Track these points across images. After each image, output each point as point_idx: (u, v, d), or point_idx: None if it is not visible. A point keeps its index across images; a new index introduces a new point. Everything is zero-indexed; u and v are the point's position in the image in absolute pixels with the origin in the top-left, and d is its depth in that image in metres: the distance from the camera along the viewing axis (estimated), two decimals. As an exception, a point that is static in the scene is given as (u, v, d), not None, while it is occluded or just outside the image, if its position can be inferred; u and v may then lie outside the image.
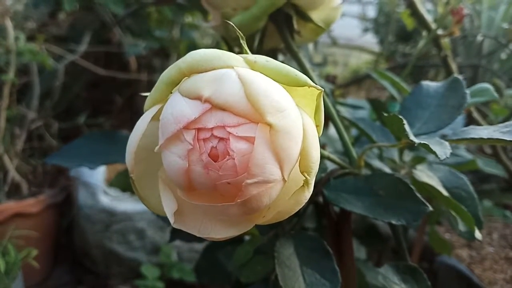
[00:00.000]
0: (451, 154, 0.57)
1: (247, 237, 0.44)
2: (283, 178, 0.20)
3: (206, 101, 0.20)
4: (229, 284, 0.53)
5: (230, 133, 0.19)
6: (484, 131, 0.30)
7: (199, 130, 0.20)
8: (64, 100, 1.29)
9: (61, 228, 1.21)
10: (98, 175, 1.16)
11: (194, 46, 1.28)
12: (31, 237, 1.00)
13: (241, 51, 0.25)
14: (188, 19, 1.33)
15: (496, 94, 0.40)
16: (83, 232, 1.12)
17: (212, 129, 0.20)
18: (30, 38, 1.13)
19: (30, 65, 1.14)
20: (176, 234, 0.48)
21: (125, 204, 1.11)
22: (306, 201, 0.22)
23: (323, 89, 0.21)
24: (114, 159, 0.48)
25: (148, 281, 1.00)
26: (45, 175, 1.18)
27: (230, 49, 0.47)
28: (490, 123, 0.69)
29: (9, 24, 1.03)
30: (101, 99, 1.48)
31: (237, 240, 0.45)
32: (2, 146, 1.06)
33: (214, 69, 0.21)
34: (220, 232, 0.22)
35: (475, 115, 0.60)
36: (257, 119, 0.20)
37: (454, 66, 0.55)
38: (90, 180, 1.14)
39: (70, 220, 1.21)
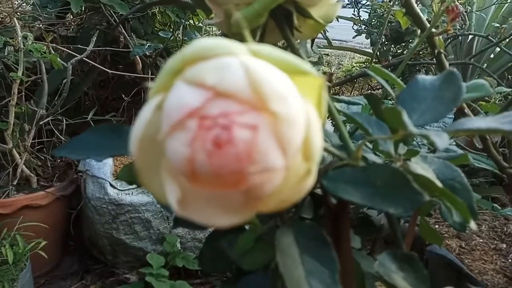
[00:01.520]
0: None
1: (247, 226, 0.43)
2: (286, 166, 0.19)
3: (210, 89, 0.19)
4: (231, 271, 0.53)
5: (233, 121, 0.19)
6: (481, 122, 0.29)
7: (202, 118, 0.19)
8: (72, 98, 1.28)
9: (70, 219, 1.20)
10: (105, 168, 1.15)
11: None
12: (41, 229, 0.99)
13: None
14: (191, 21, 1.32)
15: (492, 90, 0.39)
16: (91, 223, 1.12)
17: (215, 117, 0.19)
18: (38, 38, 1.12)
19: (39, 64, 1.13)
20: (179, 222, 0.47)
21: (131, 196, 1.10)
22: (309, 189, 0.21)
23: (325, 79, 0.21)
24: (121, 151, 0.47)
25: (153, 269, 1.00)
26: (54, 169, 1.17)
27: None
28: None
29: (17, 24, 1.02)
30: (108, 97, 1.47)
31: (239, 229, 0.44)
32: (12, 142, 1.05)
33: (218, 57, 0.20)
34: (223, 220, 0.21)
35: (467, 111, 0.59)
36: (260, 107, 0.19)
37: (447, 64, 0.54)
38: (98, 174, 1.13)
39: (79, 211, 1.20)
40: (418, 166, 0.43)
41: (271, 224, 0.38)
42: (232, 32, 0.41)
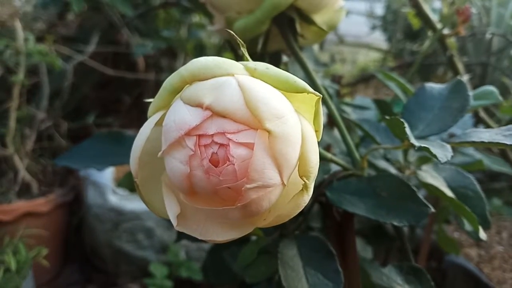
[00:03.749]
0: (459, 153, 0.57)
1: (254, 237, 0.44)
2: (282, 183, 0.21)
3: (207, 108, 0.20)
4: (236, 283, 0.54)
5: (230, 139, 0.20)
6: (485, 134, 0.31)
7: (200, 136, 0.21)
8: (73, 100, 1.30)
9: (71, 227, 1.23)
10: (107, 174, 1.17)
11: (201, 46, 1.29)
12: (42, 236, 1.02)
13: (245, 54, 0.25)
14: (196, 18, 1.34)
15: (500, 98, 0.40)
16: (93, 231, 1.14)
17: (212, 135, 0.20)
18: (39, 39, 1.14)
19: (39, 65, 1.16)
20: (183, 234, 0.49)
21: (134, 203, 1.12)
22: (305, 204, 0.23)
23: (321, 96, 0.22)
24: (121, 160, 0.48)
25: (156, 279, 1.02)
26: (54, 175, 1.20)
27: (235, 52, 0.47)
28: (498, 122, 0.69)
29: (18, 26, 1.05)
30: (109, 98, 1.49)
31: (243, 240, 0.46)
32: (12, 146, 1.08)
33: (215, 76, 0.22)
34: (221, 235, 0.23)
35: (482, 114, 0.60)
36: (256, 125, 0.20)
37: (460, 66, 0.55)
38: (99, 180, 1.15)
39: (80, 219, 1.22)
40: (428, 175, 0.44)
41: (275, 236, 0.40)
42: (234, 40, 0.43)
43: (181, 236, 0.49)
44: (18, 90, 1.06)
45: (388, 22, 1.44)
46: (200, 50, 1.28)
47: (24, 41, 1.05)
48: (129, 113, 1.48)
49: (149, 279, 1.01)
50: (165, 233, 1.11)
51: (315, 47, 0.65)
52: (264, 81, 0.22)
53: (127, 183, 0.55)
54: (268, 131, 0.20)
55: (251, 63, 0.23)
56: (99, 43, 1.26)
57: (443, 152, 0.28)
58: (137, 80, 1.39)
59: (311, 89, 0.22)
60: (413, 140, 0.29)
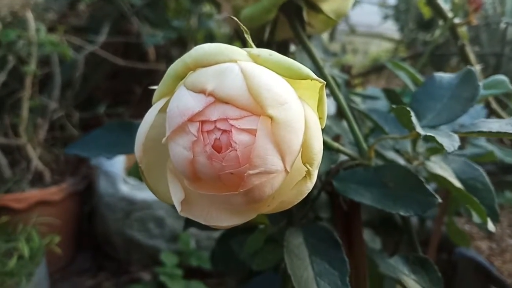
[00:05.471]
0: (471, 144, 0.56)
1: (261, 226, 0.44)
2: (285, 169, 0.21)
3: (210, 94, 0.20)
4: (243, 271, 0.55)
5: (232, 125, 0.20)
6: (495, 124, 0.30)
7: (203, 122, 0.21)
8: (84, 90, 1.31)
9: (83, 215, 1.25)
10: (118, 164, 1.18)
11: (211, 35, 1.29)
12: (54, 224, 1.04)
13: (253, 42, 0.25)
14: (206, 8, 1.33)
15: (511, 86, 0.40)
16: (104, 220, 1.16)
17: (215, 121, 0.20)
18: (51, 29, 1.15)
19: (51, 56, 1.17)
20: (191, 222, 0.49)
21: (145, 192, 1.13)
22: (309, 191, 0.23)
23: (325, 82, 0.22)
24: (131, 149, 0.49)
25: (167, 268, 1.03)
26: (67, 164, 1.21)
27: (243, 41, 0.47)
28: (511, 113, 0.68)
29: (30, 16, 1.06)
30: (120, 89, 1.50)
31: (250, 229, 0.46)
32: (25, 136, 1.09)
33: (218, 63, 0.22)
34: (225, 220, 0.23)
35: (494, 105, 0.59)
36: (259, 112, 0.20)
37: (472, 56, 0.54)
38: (111, 169, 1.17)
39: (92, 208, 1.24)
40: (437, 166, 0.44)
41: (282, 224, 0.40)
42: (241, 28, 0.42)
43: (188, 224, 0.50)
44: (30, 80, 1.08)
45: (400, 12, 1.42)
46: (210, 40, 1.28)
47: (35, 32, 1.06)
48: (140, 103, 1.49)
49: (160, 268, 1.03)
50: (175, 223, 1.12)
51: (325, 37, 0.65)
52: (267, 68, 0.22)
53: (137, 172, 0.55)
54: (271, 117, 0.20)
55: (255, 50, 0.23)
56: (110, 33, 1.27)
57: (449, 141, 0.28)
58: (148, 70, 1.39)
59: (314, 76, 0.22)
60: (418, 129, 0.29)
